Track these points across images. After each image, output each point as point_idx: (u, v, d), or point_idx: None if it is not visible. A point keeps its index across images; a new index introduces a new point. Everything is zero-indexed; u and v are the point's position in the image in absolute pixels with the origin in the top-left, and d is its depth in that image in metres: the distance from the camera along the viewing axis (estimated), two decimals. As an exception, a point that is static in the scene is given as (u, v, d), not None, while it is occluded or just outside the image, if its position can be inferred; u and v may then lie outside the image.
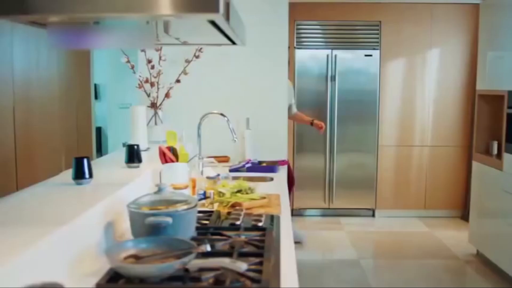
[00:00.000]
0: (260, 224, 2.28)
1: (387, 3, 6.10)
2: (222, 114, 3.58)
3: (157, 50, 3.97)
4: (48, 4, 1.47)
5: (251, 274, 1.65)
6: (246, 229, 2.20)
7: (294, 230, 5.03)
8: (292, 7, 5.99)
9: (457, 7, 6.09)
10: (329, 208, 6.40)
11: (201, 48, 4.10)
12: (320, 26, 6.24)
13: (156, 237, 1.84)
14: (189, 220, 2.00)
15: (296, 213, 6.46)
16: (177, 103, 4.21)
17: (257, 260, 1.79)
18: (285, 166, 4.14)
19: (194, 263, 1.65)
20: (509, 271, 4.24)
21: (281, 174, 3.73)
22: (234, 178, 3.19)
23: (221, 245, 1.97)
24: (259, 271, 1.68)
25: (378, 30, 6.17)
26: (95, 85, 8.19)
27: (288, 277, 1.73)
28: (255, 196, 2.66)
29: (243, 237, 2.06)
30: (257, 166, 3.86)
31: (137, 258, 1.73)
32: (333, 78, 6.19)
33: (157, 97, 4.06)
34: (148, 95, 4.05)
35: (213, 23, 1.57)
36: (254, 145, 4.25)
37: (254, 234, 2.11)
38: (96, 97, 8.44)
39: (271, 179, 3.62)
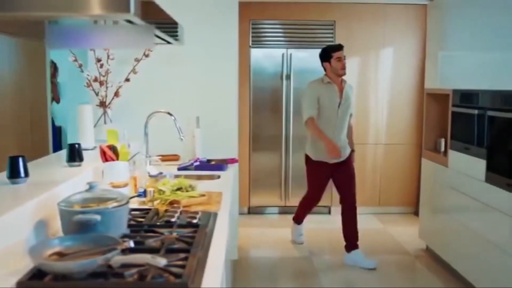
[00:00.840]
0: (194, 221, 2.32)
1: (341, 3, 6.18)
2: (169, 113, 3.62)
3: (105, 49, 3.97)
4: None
5: (174, 269, 1.68)
6: (180, 226, 2.23)
7: (363, 256, 4.79)
8: (247, 6, 6.06)
9: (409, 7, 6.21)
10: (285, 206, 6.46)
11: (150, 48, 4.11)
12: (275, 25, 6.28)
13: (82, 234, 1.86)
14: (119, 217, 2.02)
15: (253, 211, 6.50)
16: (128, 102, 4.21)
17: (183, 256, 1.82)
18: (235, 164, 4.18)
19: (117, 259, 1.67)
20: (454, 265, 4.35)
21: (229, 172, 3.76)
22: (177, 176, 3.21)
23: (151, 242, 1.99)
24: (183, 266, 1.71)
25: (332, 29, 6.25)
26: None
27: (212, 272, 1.77)
28: (194, 193, 2.69)
29: (174, 234, 2.09)
30: (205, 165, 3.88)
31: (62, 255, 1.75)
32: (288, 77, 6.25)
33: (106, 96, 4.05)
34: (97, 94, 4.04)
35: (131, 22, 1.60)
36: (205, 143, 4.27)
37: (186, 231, 2.15)
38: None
39: (219, 177, 3.65)
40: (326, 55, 4.87)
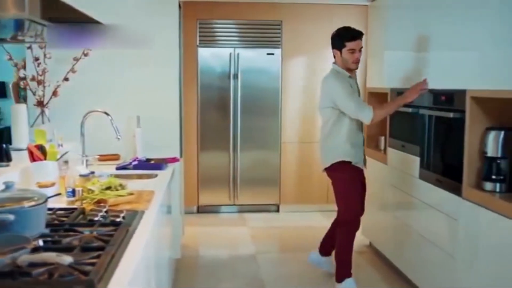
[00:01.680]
0: (118, 219, 2.32)
1: (288, 3, 6.24)
2: (105, 113, 3.61)
3: (41, 48, 3.93)
4: None
5: (85, 267, 1.68)
6: (102, 225, 2.23)
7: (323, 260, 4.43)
8: (194, 5, 6.07)
9: (353, 8, 6.29)
10: (234, 205, 6.49)
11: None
12: (222, 25, 6.30)
13: (-8, 234, 1.85)
14: (36, 216, 2.01)
15: (202, 210, 6.51)
16: (67, 102, 4.17)
17: (95, 254, 1.82)
18: (176, 163, 4.19)
19: (24, 258, 1.67)
20: (394, 262, 4.44)
21: (168, 171, 3.77)
22: (116, 176, 3.21)
23: (68, 241, 1.99)
24: (93, 264, 1.72)
25: (279, 29, 6.30)
26: (3, 83, 7.95)
27: (123, 270, 1.77)
28: (122, 192, 2.69)
29: (94, 233, 2.09)
30: (144, 164, 3.89)
31: (-31, 256, 1.73)
32: (235, 76, 6.27)
33: (43, 95, 4.01)
34: (34, 94, 4.00)
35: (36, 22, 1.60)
36: (147, 143, 4.27)
37: (106, 230, 2.15)
38: (5, 95, 8.18)
39: (156, 176, 3.66)
40: (339, 42, 3.99)
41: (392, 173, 4.45)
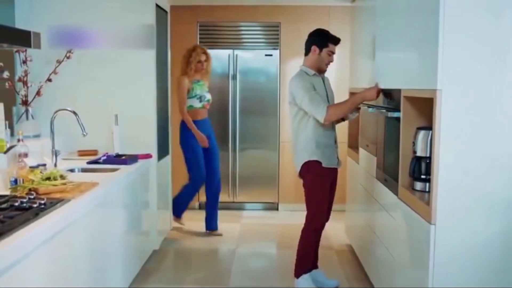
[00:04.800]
0: (34, 205, 2.56)
1: (286, 5, 6.40)
2: (73, 112, 3.87)
3: (22, 52, 4.24)
4: None
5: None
6: (17, 209, 2.48)
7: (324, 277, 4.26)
8: (195, 9, 6.33)
9: (351, 8, 6.37)
10: (233, 202, 6.70)
11: (71, 50, 4.39)
12: (222, 27, 6.53)
13: None
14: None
15: (203, 207, 6.72)
16: (52, 100, 4.45)
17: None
18: (149, 160, 4.43)
19: None
20: (361, 260, 4.51)
21: (131, 167, 4.00)
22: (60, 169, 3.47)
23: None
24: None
25: (277, 31, 6.47)
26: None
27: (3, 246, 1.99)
28: (56, 182, 2.93)
29: (1, 216, 2.34)
30: (111, 159, 4.15)
31: None
32: (234, 77, 6.48)
33: (27, 95, 4.32)
34: (17, 93, 4.32)
35: None
36: (125, 140, 4.54)
37: (14, 213, 2.39)
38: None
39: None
40: (323, 41, 4.02)
41: (361, 173, 4.54)
